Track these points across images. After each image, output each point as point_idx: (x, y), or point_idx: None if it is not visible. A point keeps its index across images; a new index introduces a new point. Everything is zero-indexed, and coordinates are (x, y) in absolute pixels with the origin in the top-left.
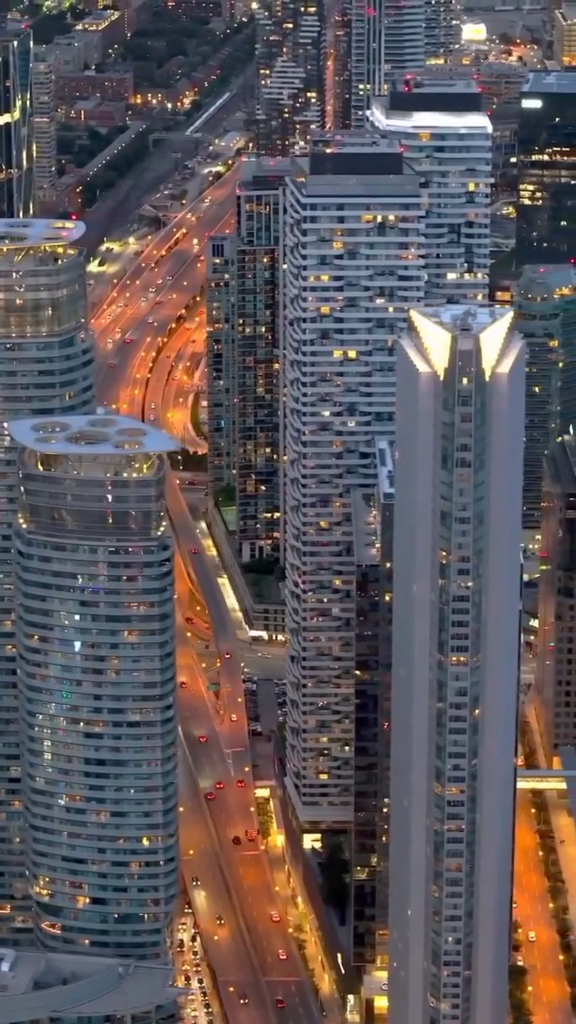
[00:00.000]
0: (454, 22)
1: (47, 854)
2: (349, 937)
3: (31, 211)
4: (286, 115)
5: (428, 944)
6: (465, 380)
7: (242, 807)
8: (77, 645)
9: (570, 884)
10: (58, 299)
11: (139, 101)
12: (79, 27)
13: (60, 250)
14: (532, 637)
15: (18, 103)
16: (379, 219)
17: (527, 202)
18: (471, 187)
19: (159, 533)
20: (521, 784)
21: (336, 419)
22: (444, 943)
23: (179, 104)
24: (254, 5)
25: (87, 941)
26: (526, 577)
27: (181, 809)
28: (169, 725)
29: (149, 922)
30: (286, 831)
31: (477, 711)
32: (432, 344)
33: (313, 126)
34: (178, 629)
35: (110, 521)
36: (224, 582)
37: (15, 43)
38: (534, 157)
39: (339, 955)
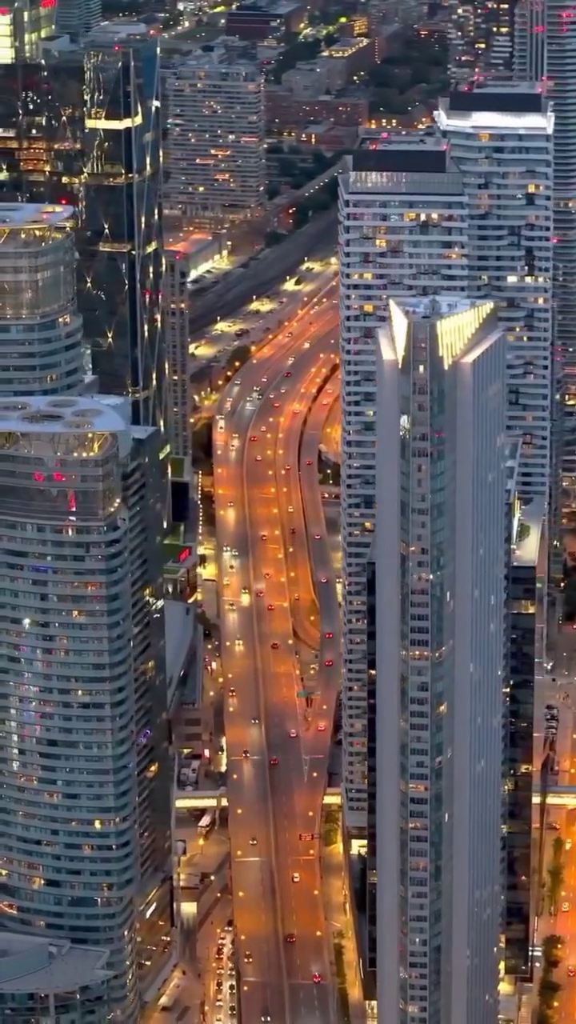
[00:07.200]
0: None
1: (4, 834)
2: (366, 941)
3: (156, 215)
4: None
5: (398, 945)
6: (421, 368)
7: (306, 813)
8: (26, 624)
9: None
10: (39, 282)
11: (373, 127)
12: (325, 54)
13: (46, 233)
14: None
15: (140, 108)
16: (422, 217)
17: None
18: (531, 189)
19: (108, 513)
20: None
21: None
22: (411, 944)
23: (413, 130)
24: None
25: (42, 923)
26: None
27: (240, 811)
28: (121, 708)
29: (103, 906)
30: (343, 837)
31: (442, 707)
32: (398, 333)
33: None
34: (281, 637)
35: (55, 500)
36: None
37: (138, 49)
38: None
39: (361, 960)
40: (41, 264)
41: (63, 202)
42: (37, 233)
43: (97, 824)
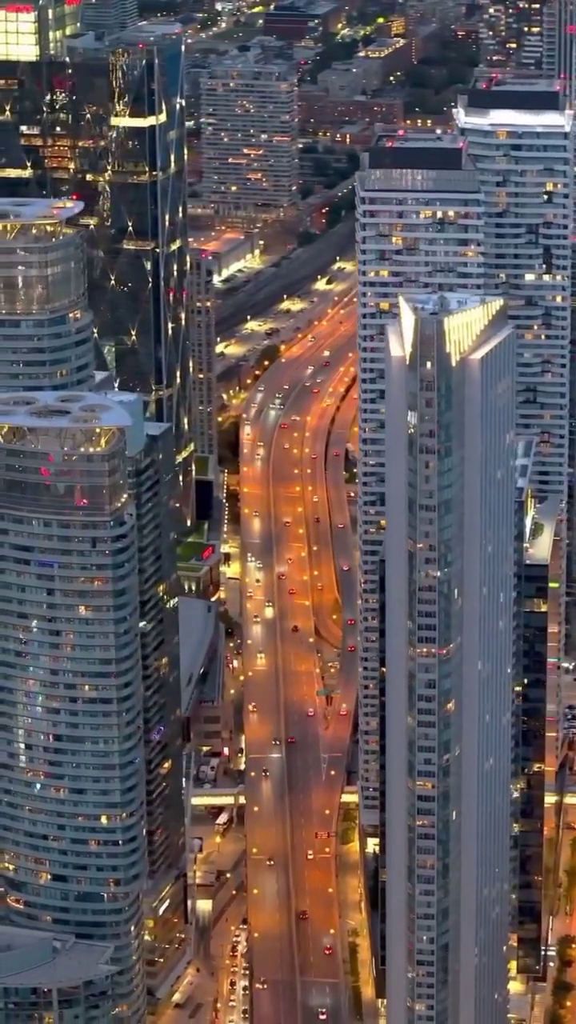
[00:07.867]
0: None
1: (11, 828)
2: (378, 940)
3: (181, 213)
4: None
5: (406, 943)
6: (428, 364)
7: (323, 811)
8: (33, 619)
9: None
10: (49, 277)
11: (408, 126)
12: (361, 54)
13: (56, 228)
14: None
15: (164, 106)
16: (439, 215)
17: None
18: (549, 187)
19: (114, 508)
20: None
21: None
22: (419, 942)
23: (448, 130)
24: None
25: (49, 918)
26: None
27: (256, 809)
28: (128, 703)
29: (109, 901)
30: (360, 835)
31: (450, 704)
32: (406, 329)
33: None
34: (302, 635)
35: (62, 495)
36: None
37: (163, 47)
38: None
39: (374, 958)
40: (51, 259)
41: (74, 197)
42: (48, 228)
43: (104, 819)
